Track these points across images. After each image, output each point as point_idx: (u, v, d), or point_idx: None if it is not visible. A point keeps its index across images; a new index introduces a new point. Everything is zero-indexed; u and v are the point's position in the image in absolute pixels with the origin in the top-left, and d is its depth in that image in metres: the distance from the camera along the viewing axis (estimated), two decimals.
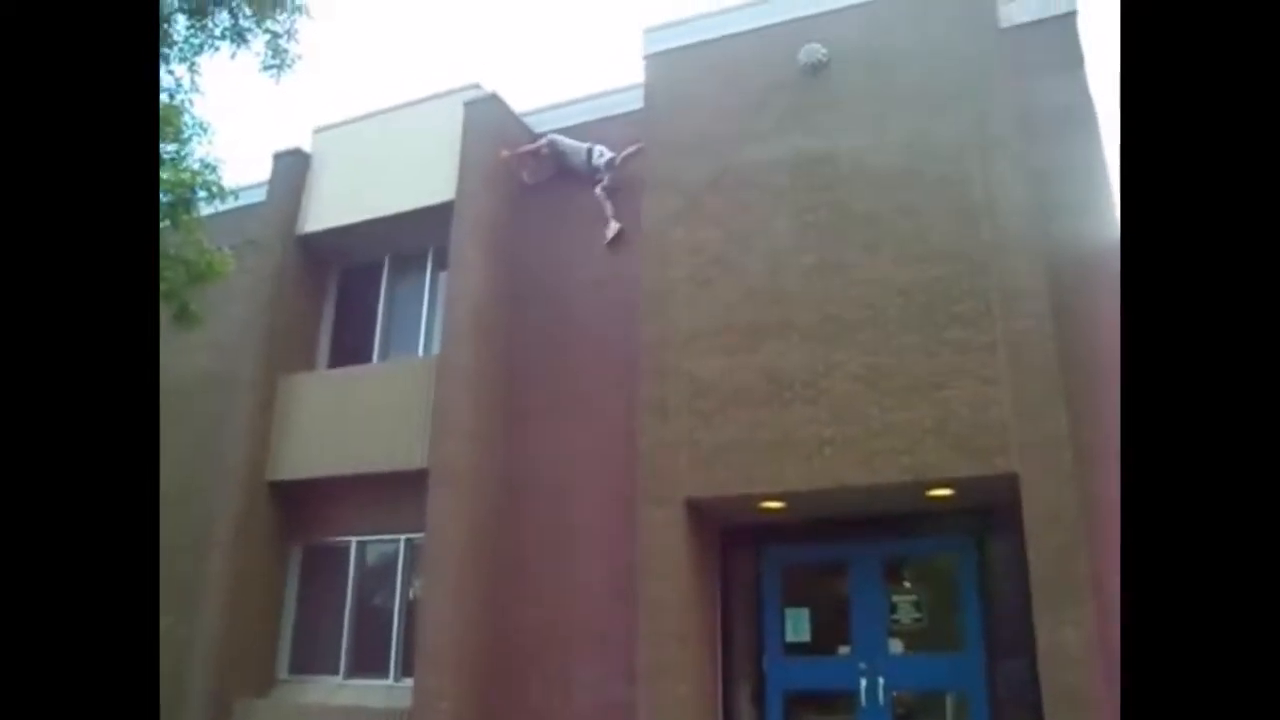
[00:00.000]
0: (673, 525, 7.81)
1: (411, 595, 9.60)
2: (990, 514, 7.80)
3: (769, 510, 8.15)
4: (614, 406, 9.10)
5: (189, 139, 7.65)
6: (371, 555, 10.05)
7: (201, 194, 7.43)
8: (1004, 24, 8.27)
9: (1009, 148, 7.77)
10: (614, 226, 9.53)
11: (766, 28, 8.98)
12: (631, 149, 9.53)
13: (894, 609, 7.94)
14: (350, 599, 9.79)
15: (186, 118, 7.61)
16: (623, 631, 8.43)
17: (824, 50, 8.58)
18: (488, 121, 10.10)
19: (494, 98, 10.20)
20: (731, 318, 8.15)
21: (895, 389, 7.45)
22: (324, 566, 10.20)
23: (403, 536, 9.74)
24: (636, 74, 9.62)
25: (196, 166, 7.65)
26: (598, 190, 9.62)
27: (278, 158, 11.00)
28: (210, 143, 8.24)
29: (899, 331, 7.60)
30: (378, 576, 10.01)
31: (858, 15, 8.66)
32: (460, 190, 9.80)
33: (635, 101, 10.00)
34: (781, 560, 8.47)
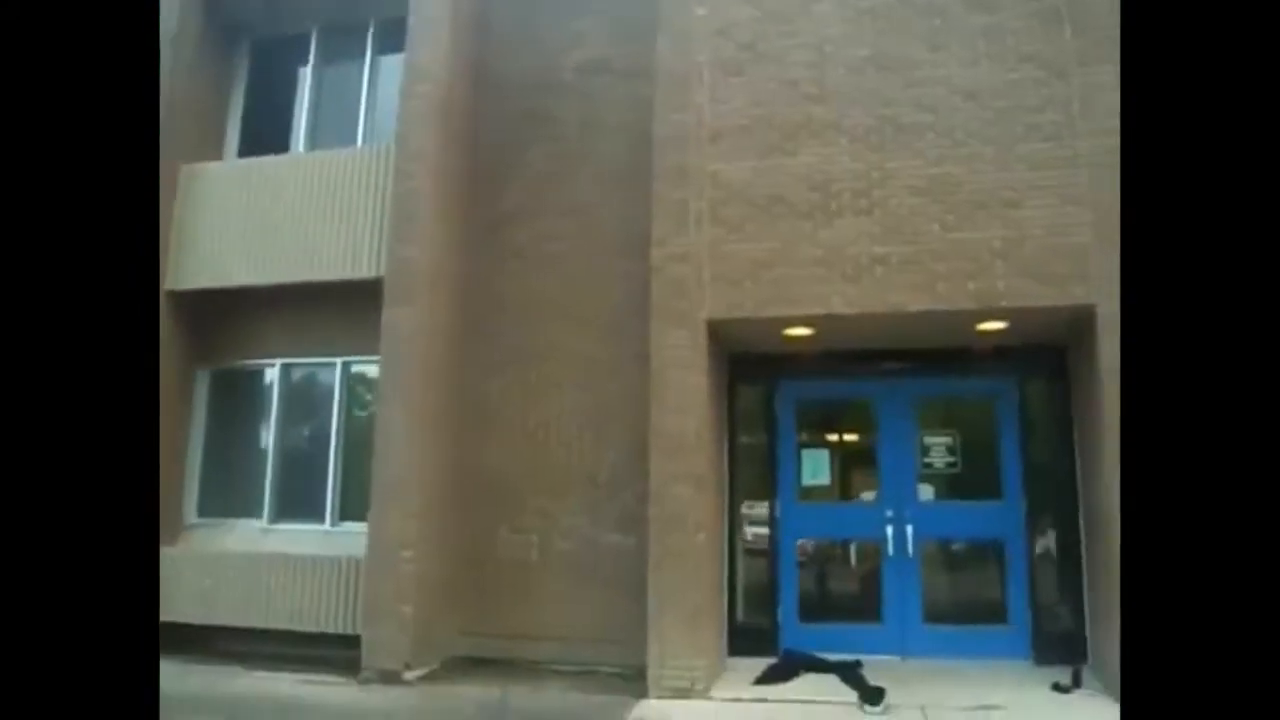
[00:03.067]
0: (691, 350, 6.74)
1: (348, 428, 8.23)
2: (1037, 354, 7.13)
3: (791, 338, 7.20)
4: (610, 213, 7.90)
5: None
6: (300, 381, 8.54)
7: None
8: None
9: None
10: None
11: None
12: None
13: (925, 452, 7.23)
14: (275, 431, 8.32)
15: None
16: (612, 472, 7.49)
17: None
18: None
19: None
20: (767, 113, 6.95)
21: (961, 204, 6.53)
22: (240, 394, 8.63)
23: (339, 359, 8.28)
24: None
25: None
26: None
27: None
28: None
29: (966, 140, 6.62)
30: (308, 406, 8.53)
31: None
32: None
33: None
34: (798, 396, 7.59)
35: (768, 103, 6.97)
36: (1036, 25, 6.70)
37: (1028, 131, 6.53)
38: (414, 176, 7.53)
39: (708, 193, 6.90)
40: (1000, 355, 7.21)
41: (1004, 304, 6.37)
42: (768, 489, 7.46)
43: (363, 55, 8.80)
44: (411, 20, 7.83)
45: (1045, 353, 7.12)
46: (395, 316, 7.34)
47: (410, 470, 7.13)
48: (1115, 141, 6.29)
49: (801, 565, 7.39)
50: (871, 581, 7.32)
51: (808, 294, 6.61)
